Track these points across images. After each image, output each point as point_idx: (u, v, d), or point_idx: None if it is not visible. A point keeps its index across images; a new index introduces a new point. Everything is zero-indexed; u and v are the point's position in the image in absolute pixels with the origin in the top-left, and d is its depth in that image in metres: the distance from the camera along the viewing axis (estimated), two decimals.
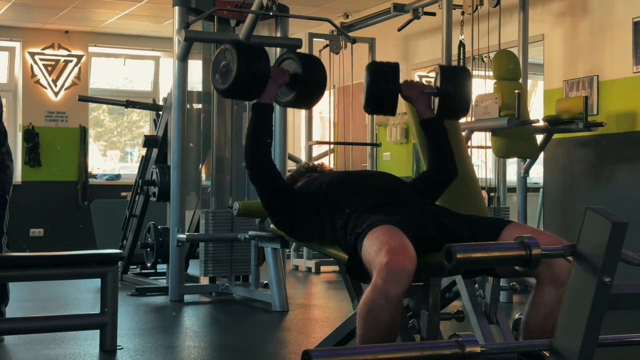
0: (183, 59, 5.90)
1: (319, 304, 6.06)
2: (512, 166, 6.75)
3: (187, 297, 5.91)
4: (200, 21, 6.02)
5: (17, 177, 10.00)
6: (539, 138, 5.69)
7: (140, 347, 4.18)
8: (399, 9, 7.30)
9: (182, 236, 5.83)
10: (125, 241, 7.12)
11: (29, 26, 9.87)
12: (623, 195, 6.07)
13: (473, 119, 5.77)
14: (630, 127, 6.09)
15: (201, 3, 5.96)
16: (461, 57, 6.43)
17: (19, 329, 4.00)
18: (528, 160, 5.76)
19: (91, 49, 10.34)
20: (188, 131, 6.07)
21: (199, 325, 5.16)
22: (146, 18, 9.44)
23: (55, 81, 10.11)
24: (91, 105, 10.42)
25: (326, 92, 8.80)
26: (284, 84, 3.09)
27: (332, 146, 8.96)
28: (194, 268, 6.71)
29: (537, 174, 7.51)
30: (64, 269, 4.03)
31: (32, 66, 10.03)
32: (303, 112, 8.81)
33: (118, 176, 10.80)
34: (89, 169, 10.29)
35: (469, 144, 6.12)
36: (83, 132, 10.13)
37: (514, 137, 5.45)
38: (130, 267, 7.18)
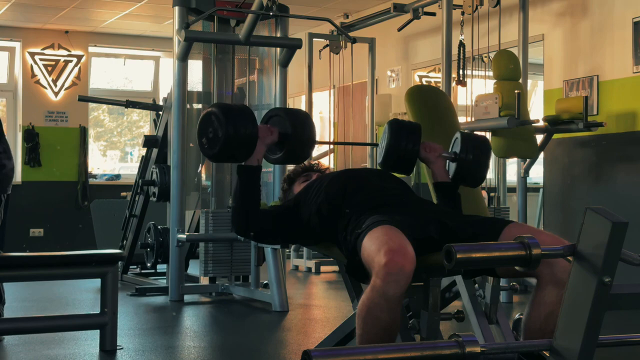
0: (183, 59, 5.90)
1: (319, 304, 6.06)
2: (512, 166, 6.75)
3: (187, 297, 5.91)
4: (200, 21, 6.02)
5: (17, 177, 10.00)
6: (539, 138, 5.69)
7: (140, 347, 4.18)
8: (399, 9, 7.30)
9: (182, 236, 5.84)
10: (125, 241, 7.12)
11: (29, 26, 9.87)
12: (623, 195, 6.07)
13: (473, 119, 5.77)
14: (630, 127, 6.09)
15: (201, 3, 5.96)
16: (461, 57, 6.43)
17: (19, 329, 4.00)
18: (528, 160, 5.76)
19: (91, 49, 10.34)
20: (188, 131, 6.07)
21: (199, 325, 5.16)
22: (146, 18, 9.44)
23: (55, 81, 10.11)
24: (91, 105, 10.42)
25: (326, 92, 8.83)
26: (272, 144, 3.02)
27: (332, 146, 8.96)
28: (194, 268, 6.72)
29: (537, 174, 7.51)
30: (64, 269, 4.03)
31: (32, 66, 10.04)
32: None
33: (118, 176, 10.80)
34: (89, 169, 10.29)
35: None
36: (83, 132, 10.13)
37: (514, 137, 5.45)
38: (130, 267, 7.19)
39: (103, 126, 11.91)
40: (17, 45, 10.05)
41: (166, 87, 9.23)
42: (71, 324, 4.15)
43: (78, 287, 6.38)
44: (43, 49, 10.07)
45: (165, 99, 6.89)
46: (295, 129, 3.02)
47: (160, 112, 6.92)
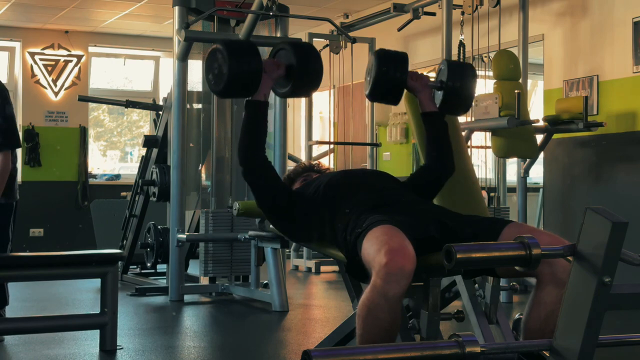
0: (183, 59, 5.90)
1: (319, 304, 6.06)
2: (512, 166, 6.75)
3: (187, 297, 5.91)
4: (200, 21, 6.01)
5: (17, 177, 10.00)
6: (539, 138, 5.69)
7: (140, 347, 4.18)
8: (399, 9, 7.30)
9: (182, 236, 5.84)
10: (125, 241, 7.12)
11: (29, 26, 9.87)
12: (623, 195, 6.07)
13: (473, 119, 5.77)
14: (630, 127, 6.09)
15: (201, 3, 5.96)
16: (461, 57, 6.43)
17: (19, 329, 4.00)
18: (528, 160, 5.76)
19: (91, 49, 10.34)
20: (188, 131, 6.07)
21: (199, 325, 5.16)
22: (146, 18, 9.44)
23: (55, 81, 10.11)
24: (91, 105, 10.42)
25: (326, 92, 8.84)
26: (279, 77, 3.05)
27: (332, 146, 8.96)
28: (194, 268, 6.71)
29: (537, 174, 7.51)
30: (64, 269, 4.03)
31: (32, 66, 10.04)
32: (303, 112, 8.81)
33: (118, 176, 10.80)
34: (89, 169, 10.29)
35: (469, 144, 6.12)
36: (83, 132, 10.13)
37: (514, 137, 5.45)
38: (130, 267, 7.18)
39: (103, 126, 11.91)
40: (17, 45, 10.06)
41: (166, 87, 9.23)
42: (71, 324, 4.15)
43: (78, 287, 6.37)
44: (43, 49, 10.07)
45: (165, 99, 6.89)
46: (301, 62, 3.04)
47: (160, 112, 6.92)
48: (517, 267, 1.77)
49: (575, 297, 1.76)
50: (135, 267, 7.31)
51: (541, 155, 6.05)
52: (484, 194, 6.03)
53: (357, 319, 2.39)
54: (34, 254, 4.46)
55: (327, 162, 8.79)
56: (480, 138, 6.82)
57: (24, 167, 9.87)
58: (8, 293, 4.27)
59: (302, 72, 3.06)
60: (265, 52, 6.59)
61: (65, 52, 10.16)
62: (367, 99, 8.37)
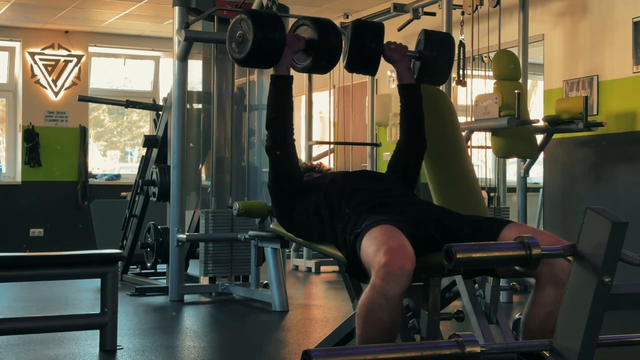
0: (183, 59, 5.90)
1: (319, 304, 6.06)
2: (512, 166, 6.75)
3: (187, 297, 5.91)
4: (200, 21, 6.01)
5: (17, 177, 10.01)
6: (539, 138, 5.69)
7: (140, 347, 4.18)
8: (399, 9, 7.30)
9: (182, 236, 5.84)
10: (125, 241, 7.12)
11: (29, 26, 9.87)
12: (623, 195, 6.07)
13: (473, 119, 5.77)
14: (630, 127, 6.09)
15: (201, 3, 5.96)
16: (461, 57, 6.42)
17: (19, 329, 3.99)
18: (528, 160, 5.76)
19: (91, 49, 10.34)
20: (188, 131, 6.07)
21: (199, 325, 5.16)
22: (146, 18, 9.44)
23: (55, 81, 10.11)
24: (91, 105, 10.42)
25: (326, 92, 8.82)
26: (299, 51, 3.07)
27: (332, 146, 8.96)
28: (194, 268, 6.71)
29: (537, 174, 7.51)
30: (64, 269, 4.03)
31: (32, 66, 10.04)
32: (303, 112, 8.81)
33: (118, 176, 10.80)
34: (89, 169, 10.29)
35: (469, 144, 6.12)
36: (83, 132, 10.13)
37: (514, 137, 5.45)
38: (130, 267, 7.18)
39: (103, 126, 11.91)
40: (17, 45, 10.06)
41: (166, 87, 9.23)
42: (71, 324, 4.15)
43: (78, 287, 6.37)
44: (43, 49, 10.07)
45: (165, 99, 6.89)
46: (322, 37, 3.06)
47: (160, 112, 6.92)
48: (517, 267, 1.77)
49: (575, 297, 1.76)
50: (135, 267, 7.31)
51: (541, 155, 6.05)
52: (484, 194, 6.02)
53: (356, 318, 2.39)
54: (34, 254, 4.46)
55: (327, 162, 8.79)
56: (480, 138, 6.82)
57: (24, 167, 9.88)
58: None
59: (323, 48, 3.07)
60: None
61: (65, 52, 10.16)
62: (367, 100, 8.41)
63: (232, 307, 5.69)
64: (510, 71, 5.55)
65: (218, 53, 6.30)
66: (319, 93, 9.12)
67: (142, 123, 11.66)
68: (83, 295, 6.16)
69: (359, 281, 2.87)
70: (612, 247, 1.69)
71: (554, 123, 5.61)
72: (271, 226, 3.33)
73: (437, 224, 2.64)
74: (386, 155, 8.58)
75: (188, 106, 6.14)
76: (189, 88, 6.20)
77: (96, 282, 4.41)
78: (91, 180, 10.26)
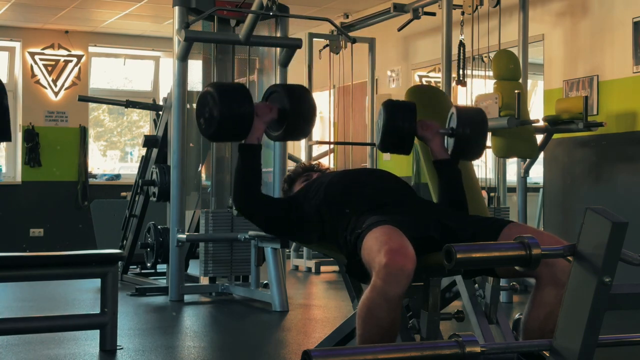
0: (183, 59, 5.90)
1: (319, 304, 6.06)
2: (512, 166, 6.75)
3: (187, 297, 5.91)
4: (200, 21, 6.01)
5: (17, 177, 10.01)
6: (539, 138, 5.69)
7: (140, 347, 4.18)
8: (399, 9, 7.30)
9: (182, 236, 5.83)
10: (125, 241, 7.12)
11: (29, 26, 9.87)
12: (623, 195, 6.07)
13: None
14: (630, 127, 6.09)
15: (201, 3, 5.96)
16: (461, 57, 6.43)
17: (19, 329, 3.99)
18: (528, 160, 5.76)
19: (91, 49, 10.34)
20: (188, 131, 6.07)
21: (199, 325, 5.16)
22: (146, 18, 9.44)
23: (55, 81, 10.11)
24: (91, 105, 10.42)
25: (326, 92, 8.83)
26: (271, 121, 3.02)
27: (332, 146, 8.96)
28: (194, 268, 6.71)
29: (537, 174, 7.51)
30: (64, 269, 4.03)
31: (32, 66, 10.04)
32: None
33: (118, 176, 10.80)
34: (89, 169, 10.29)
35: None
36: (83, 132, 10.13)
37: (514, 137, 5.45)
38: (130, 267, 7.18)
39: (103, 126, 11.91)
40: (17, 45, 10.05)
41: (166, 87, 9.23)
42: (71, 324, 4.15)
43: (78, 287, 6.37)
44: (43, 49, 10.07)
45: (165, 99, 6.88)
46: (294, 105, 3.02)
47: (160, 112, 6.92)
48: (517, 267, 1.77)
49: (575, 297, 1.76)
50: (135, 267, 7.30)
51: (541, 155, 6.05)
52: (484, 194, 6.02)
53: (357, 319, 2.39)
54: (34, 254, 4.45)
55: (327, 162, 8.79)
56: None
57: (24, 167, 9.88)
58: None
59: (295, 115, 3.03)
60: (272, 54, 6.59)
61: (65, 52, 10.16)
62: (367, 100, 8.41)
63: (232, 307, 5.69)
64: (510, 71, 5.55)
65: (218, 53, 6.30)
66: (319, 93, 9.10)
67: (142, 123, 11.66)
68: (83, 295, 6.16)
69: (360, 281, 2.87)
70: (612, 247, 1.69)
71: (554, 123, 5.61)
72: None
73: (437, 224, 2.65)
74: (386, 155, 8.58)
75: (188, 106, 6.14)
76: (189, 88, 6.19)
77: (96, 282, 4.41)
78: (91, 180, 10.26)
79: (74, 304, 5.87)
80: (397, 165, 8.27)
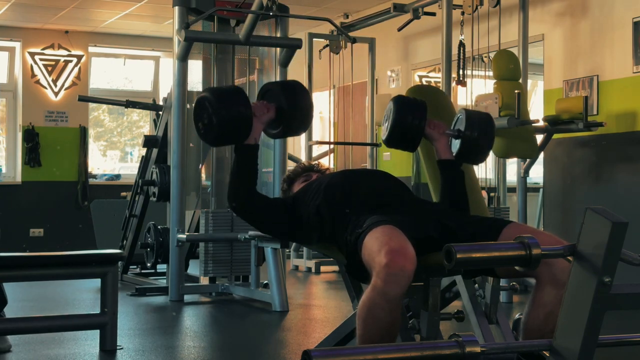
0: (183, 59, 5.90)
1: (319, 304, 6.06)
2: (512, 166, 6.75)
3: (187, 297, 5.91)
4: (200, 21, 6.01)
5: (17, 177, 10.01)
6: (539, 138, 5.69)
7: (140, 347, 4.18)
8: (399, 9, 7.30)
9: (182, 236, 5.83)
10: (125, 241, 7.12)
11: (29, 26, 9.87)
12: (623, 195, 6.07)
13: None
14: (630, 127, 6.09)
15: (201, 3, 5.96)
16: (461, 57, 6.43)
17: (19, 329, 3.99)
18: (528, 160, 5.76)
19: (91, 49, 10.34)
20: (188, 131, 6.07)
21: (199, 325, 5.16)
22: (146, 18, 9.44)
23: (55, 81, 10.11)
24: (91, 105, 10.42)
25: (326, 92, 8.83)
26: (269, 120, 3.01)
27: (332, 146, 8.96)
28: (194, 268, 6.71)
29: (537, 174, 7.51)
30: (64, 269, 4.03)
31: (32, 66, 10.03)
32: None
33: (118, 176, 10.80)
34: (89, 169, 10.29)
35: None
36: (83, 132, 10.13)
37: (514, 137, 5.45)
38: (130, 267, 7.18)
39: (103, 126, 11.91)
40: (17, 45, 10.05)
41: (166, 87, 9.23)
42: (71, 324, 4.15)
43: (78, 287, 6.37)
44: (43, 49, 10.07)
45: (165, 99, 6.88)
46: (290, 102, 3.02)
47: (160, 112, 6.92)
48: (517, 267, 1.77)
49: (575, 297, 1.76)
50: (135, 267, 7.30)
51: (541, 155, 6.05)
52: (484, 194, 6.02)
53: (357, 319, 2.39)
54: (34, 254, 4.45)
55: (327, 162, 8.79)
56: None
57: (24, 167, 9.88)
58: (5, 293, 4.26)
59: (292, 112, 3.02)
60: (272, 54, 6.59)
61: (65, 52, 10.16)
62: (367, 100, 8.41)
63: (232, 307, 5.69)
64: (510, 71, 5.55)
65: (218, 53, 6.30)
66: (319, 93, 9.11)
67: (142, 123, 11.66)
68: (83, 295, 6.16)
69: (360, 281, 2.87)
70: (612, 247, 1.69)
71: (554, 123, 5.61)
72: None
73: (437, 223, 2.64)
74: (386, 155, 8.58)
75: (188, 106, 6.14)
76: (189, 88, 6.19)
77: (96, 282, 4.41)
78: (91, 180, 10.26)
79: (74, 304, 5.87)
80: (397, 165, 8.27)
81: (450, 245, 1.73)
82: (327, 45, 8.13)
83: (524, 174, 5.80)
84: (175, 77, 5.96)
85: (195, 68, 6.51)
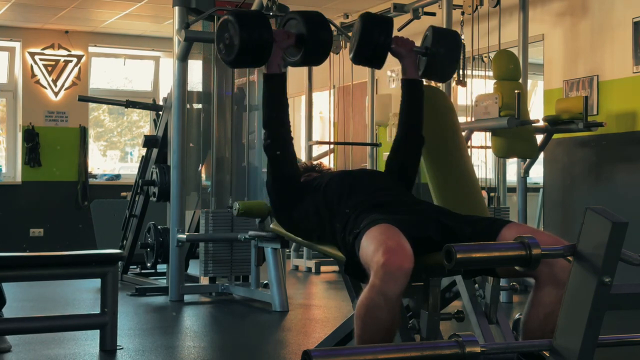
0: (183, 59, 5.90)
1: (319, 304, 6.06)
2: (512, 166, 6.75)
3: (187, 297, 5.91)
4: (200, 21, 6.01)
5: (17, 177, 10.01)
6: (539, 138, 5.69)
7: (140, 347, 4.18)
8: (399, 9, 7.29)
9: (182, 236, 5.83)
10: (125, 241, 7.12)
11: (29, 26, 9.87)
12: (623, 195, 6.07)
13: (473, 119, 5.77)
14: (630, 127, 6.09)
15: (201, 3, 5.96)
16: (461, 57, 6.42)
17: (19, 329, 3.99)
18: (528, 160, 5.76)
19: (91, 49, 10.34)
20: (188, 131, 6.07)
21: (199, 325, 5.16)
22: (146, 18, 9.44)
23: (55, 81, 10.11)
24: (91, 105, 10.42)
25: (326, 92, 8.82)
26: (289, 47, 3.07)
27: (332, 146, 8.96)
28: (194, 268, 6.71)
29: (537, 174, 7.51)
30: (64, 269, 4.03)
31: (32, 66, 10.03)
32: (303, 112, 8.81)
33: (118, 176, 10.80)
34: (89, 169, 10.29)
35: (469, 144, 6.12)
36: (83, 132, 10.13)
37: (514, 137, 5.45)
38: (130, 267, 7.18)
39: (103, 126, 11.91)
40: (17, 45, 10.05)
41: (166, 87, 9.23)
42: (71, 324, 4.15)
43: (78, 287, 6.37)
44: (43, 49, 10.07)
45: (165, 99, 6.88)
46: (311, 31, 3.06)
47: (160, 112, 6.92)
48: (517, 267, 1.77)
49: (575, 297, 1.76)
50: (135, 267, 7.31)
51: (541, 155, 6.05)
52: (484, 194, 6.02)
53: (355, 318, 2.39)
54: (34, 254, 4.45)
55: (327, 162, 8.79)
56: (480, 138, 6.81)
57: (24, 167, 9.88)
58: (4, 293, 4.27)
59: (313, 41, 3.07)
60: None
61: (65, 52, 10.16)
62: (367, 100, 8.40)
63: (232, 307, 5.69)
64: (510, 71, 5.55)
65: (218, 53, 6.29)
66: (319, 93, 9.11)
67: (142, 123, 11.66)
68: (83, 295, 6.16)
69: (359, 281, 2.87)
70: (612, 247, 1.69)
71: (554, 123, 5.61)
72: (271, 226, 3.33)
73: (436, 223, 2.64)
74: (386, 155, 8.57)
75: (188, 106, 6.14)
76: (189, 88, 6.20)
77: (96, 282, 4.41)
78: (91, 180, 10.26)
79: (74, 304, 5.87)
80: None
81: (450, 245, 1.73)
82: None
83: (524, 174, 5.80)
84: (175, 77, 5.96)
85: (195, 68, 6.51)
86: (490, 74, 5.84)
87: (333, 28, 7.63)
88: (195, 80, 6.56)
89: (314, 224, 2.90)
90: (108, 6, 8.95)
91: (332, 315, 5.36)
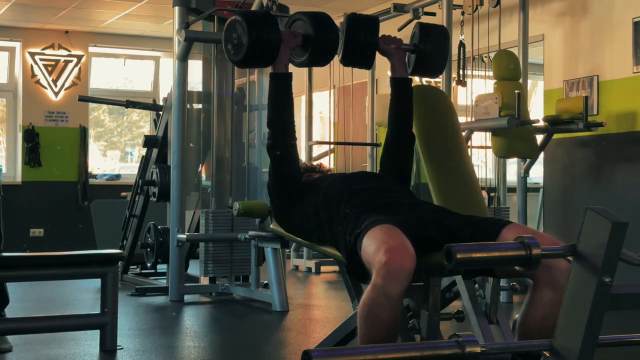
0: (183, 59, 5.90)
1: (319, 304, 6.06)
2: (512, 166, 6.75)
3: (187, 297, 5.91)
4: (200, 21, 6.01)
5: (17, 177, 10.01)
6: (539, 138, 5.69)
7: (140, 347, 4.19)
8: (399, 9, 7.30)
9: (182, 236, 5.84)
10: (125, 241, 7.12)
11: (29, 26, 9.87)
12: (623, 195, 6.07)
13: (473, 119, 5.77)
14: (630, 127, 6.09)
15: (201, 3, 5.96)
16: (461, 57, 6.42)
17: (19, 329, 4.00)
18: (528, 160, 5.76)
19: (91, 49, 10.34)
20: (188, 131, 6.07)
21: (199, 325, 5.16)
22: (146, 18, 9.44)
23: (55, 81, 10.11)
24: (91, 105, 10.42)
25: (326, 92, 8.81)
26: (296, 47, 3.08)
27: (332, 146, 8.96)
28: (194, 268, 6.72)
29: (537, 174, 7.51)
30: (64, 269, 4.03)
31: (32, 66, 10.04)
32: (303, 112, 8.81)
33: (118, 176, 10.80)
34: (89, 169, 10.29)
35: (469, 144, 6.12)
36: (83, 132, 10.13)
37: (514, 137, 5.45)
38: (130, 267, 7.18)
39: (103, 126, 11.91)
40: (17, 45, 10.06)
41: (166, 87, 9.23)
42: (71, 324, 4.15)
43: (78, 287, 6.38)
44: (43, 49, 10.07)
45: (165, 99, 6.89)
46: (318, 31, 3.08)
47: (160, 112, 6.92)
48: (517, 268, 1.77)
49: (575, 297, 1.76)
50: (135, 267, 7.31)
51: (541, 155, 6.05)
52: (484, 194, 6.02)
53: (358, 318, 2.39)
54: (34, 254, 4.46)
55: (327, 162, 8.79)
56: (480, 138, 6.81)
57: (24, 167, 9.88)
58: (7, 292, 4.26)
59: (319, 42, 3.09)
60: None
61: (65, 52, 10.16)
62: (367, 100, 8.40)
63: (232, 307, 5.69)
64: (510, 71, 5.55)
65: (218, 53, 6.30)
66: (319, 93, 9.11)
67: (142, 123, 11.66)
68: (83, 295, 6.16)
69: (360, 281, 2.87)
70: (612, 247, 1.69)
71: (554, 123, 5.61)
72: (271, 226, 3.33)
73: (436, 223, 2.64)
74: None
75: (188, 106, 6.14)
76: (189, 88, 6.20)
77: (96, 282, 4.41)
78: (91, 180, 10.26)
79: (74, 304, 5.87)
80: None
81: (450, 245, 1.73)
82: None
83: (524, 174, 5.80)
84: (175, 77, 5.96)
85: (195, 68, 6.51)
86: (490, 74, 5.84)
87: None
88: (195, 80, 6.56)
89: (314, 225, 2.90)
90: (108, 6, 8.95)
91: (332, 315, 5.36)
